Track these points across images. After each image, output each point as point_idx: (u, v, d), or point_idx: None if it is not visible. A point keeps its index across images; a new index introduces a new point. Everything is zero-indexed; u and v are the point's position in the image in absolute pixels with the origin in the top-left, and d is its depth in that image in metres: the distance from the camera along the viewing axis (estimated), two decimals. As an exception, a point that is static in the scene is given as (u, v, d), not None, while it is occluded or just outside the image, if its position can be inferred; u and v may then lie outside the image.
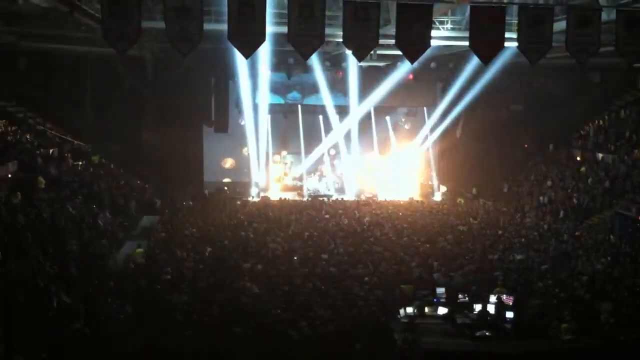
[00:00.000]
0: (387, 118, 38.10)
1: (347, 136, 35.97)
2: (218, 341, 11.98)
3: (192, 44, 12.80)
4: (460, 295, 14.97)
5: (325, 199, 32.32)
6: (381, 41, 14.13)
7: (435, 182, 36.46)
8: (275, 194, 33.46)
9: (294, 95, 35.56)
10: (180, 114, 31.81)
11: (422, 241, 21.27)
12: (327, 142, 36.35)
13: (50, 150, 26.00)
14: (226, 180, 36.26)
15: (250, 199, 32.36)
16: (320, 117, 36.18)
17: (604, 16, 14.30)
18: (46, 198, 20.91)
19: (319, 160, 36.86)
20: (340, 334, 12.49)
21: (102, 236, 20.29)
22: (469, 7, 14.42)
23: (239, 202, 30.20)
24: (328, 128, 36.03)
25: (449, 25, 24.12)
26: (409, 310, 14.20)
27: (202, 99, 33.53)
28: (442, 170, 36.63)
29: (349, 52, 20.67)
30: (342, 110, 35.32)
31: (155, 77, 31.59)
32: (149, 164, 31.33)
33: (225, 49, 22.28)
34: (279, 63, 31.35)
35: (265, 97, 34.22)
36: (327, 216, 26.04)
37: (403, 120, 39.15)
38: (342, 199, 32.32)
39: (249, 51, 13.36)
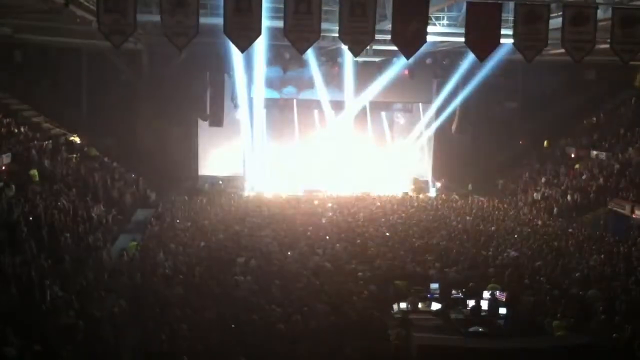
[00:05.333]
0: (383, 113, 38.08)
1: (342, 131, 35.93)
2: (213, 335, 11.99)
3: (187, 37, 12.80)
4: (453, 291, 15.03)
5: (320, 194, 32.31)
6: (377, 37, 14.14)
7: (430, 178, 36.51)
8: (269, 189, 33.41)
9: (290, 89, 35.49)
10: (176, 107, 31.77)
11: (417, 237, 21.31)
12: (322, 136, 36.31)
13: (45, 143, 25.91)
14: (221, 174, 36.19)
15: (244, 193, 32.32)
16: (316, 111, 36.18)
17: (600, 14, 14.35)
18: (40, 191, 20.85)
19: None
20: (333, 329, 12.52)
21: (96, 229, 20.26)
22: (465, 4, 14.43)
23: (233, 197, 30.17)
24: (323, 123, 36.02)
25: (445, 22, 24.16)
26: (403, 305, 14.25)
27: (197, 93, 33.48)
28: (437, 166, 36.66)
29: (344, 47, 20.68)
30: (338, 105, 35.31)
31: (150, 71, 31.52)
32: (143, 157, 31.25)
33: (221, 43, 22.24)
34: (275, 57, 31.31)
35: (261, 92, 34.14)
36: (319, 210, 26.04)
37: (398, 115, 39.15)
38: (337, 194, 32.30)
39: (244, 45, 13.36)
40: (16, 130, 25.31)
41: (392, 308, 14.25)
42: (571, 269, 17.67)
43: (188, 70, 30.95)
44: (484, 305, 14.20)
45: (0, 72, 28.27)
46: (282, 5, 13.16)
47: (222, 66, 32.22)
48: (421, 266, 17.47)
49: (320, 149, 36.42)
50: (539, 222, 25.26)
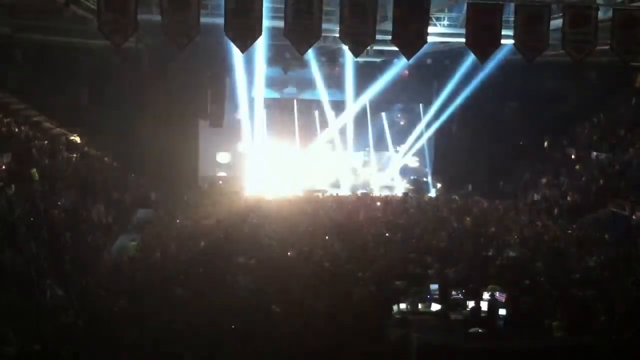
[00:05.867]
0: (383, 114, 38.07)
1: (343, 131, 35.97)
2: (212, 335, 12.00)
3: (188, 37, 12.80)
4: (453, 292, 15.03)
5: (320, 194, 32.33)
6: (378, 37, 14.13)
7: (430, 179, 36.50)
8: (269, 189, 33.42)
9: (290, 90, 35.54)
10: (176, 107, 31.73)
11: (416, 237, 21.30)
12: (322, 137, 36.32)
13: (45, 143, 25.89)
14: (221, 174, 36.21)
15: (244, 193, 32.31)
16: (316, 112, 36.19)
17: (601, 15, 14.33)
18: (40, 191, 20.85)
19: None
20: (333, 329, 12.52)
21: (96, 229, 20.26)
22: (466, 4, 14.43)
23: (233, 197, 30.15)
24: (324, 123, 36.04)
25: (445, 22, 24.10)
26: (402, 306, 14.25)
27: (197, 93, 33.42)
28: (437, 166, 36.65)
29: (345, 48, 20.71)
30: (338, 106, 35.32)
31: (150, 71, 31.48)
32: (144, 157, 31.24)
33: (222, 42, 22.21)
34: (275, 58, 31.31)
35: (261, 92, 34.17)
36: (321, 212, 26.03)
37: (399, 116, 39.14)
38: (337, 194, 32.32)
39: (245, 45, 13.36)
40: (16, 130, 25.30)
41: (391, 308, 14.26)
42: (571, 270, 17.68)
43: (188, 70, 30.91)
44: (484, 306, 14.19)
45: (0, 71, 28.25)
46: (282, 6, 13.14)
47: (223, 66, 32.23)
48: (421, 267, 17.46)
49: (321, 149, 36.48)
50: (539, 223, 25.23)
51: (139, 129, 32.07)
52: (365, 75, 33.46)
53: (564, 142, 34.11)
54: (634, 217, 23.56)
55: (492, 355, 11.90)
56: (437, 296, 14.97)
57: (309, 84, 34.40)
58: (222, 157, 37.39)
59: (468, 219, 25.49)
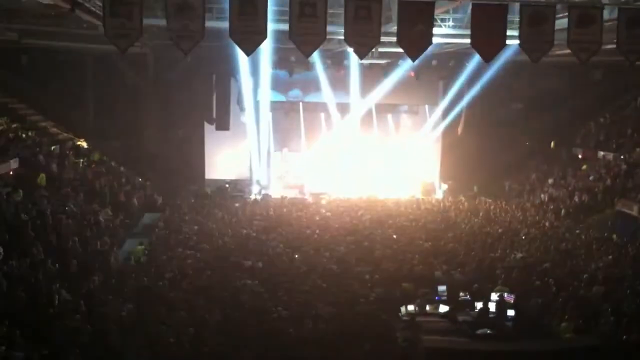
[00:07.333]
0: (389, 116, 38.01)
1: (348, 134, 35.89)
2: (219, 339, 12.00)
3: (193, 41, 12.81)
4: (461, 293, 15.01)
5: (326, 196, 32.29)
6: (383, 39, 14.12)
7: (436, 180, 36.41)
8: (276, 192, 33.41)
9: (296, 92, 35.50)
10: (182, 111, 31.87)
11: (423, 239, 21.25)
12: (328, 140, 36.29)
13: (52, 148, 26.00)
14: (227, 178, 36.23)
15: (251, 196, 32.33)
16: (322, 114, 36.17)
17: (606, 14, 14.28)
18: (48, 195, 20.92)
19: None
20: (341, 332, 12.50)
21: (103, 233, 20.28)
22: (470, 5, 14.42)
23: (240, 200, 30.16)
24: (329, 126, 36.03)
25: (450, 23, 24.06)
26: (410, 308, 14.26)
27: (203, 97, 33.52)
28: (444, 168, 36.56)
29: (350, 50, 20.72)
30: (344, 108, 35.29)
31: (156, 75, 31.60)
32: (150, 161, 31.34)
33: (227, 46, 22.27)
34: (281, 60, 31.33)
35: (267, 95, 34.18)
36: (328, 214, 26.02)
37: (404, 117, 39.06)
38: (344, 197, 32.25)
39: (250, 49, 13.37)
40: (23, 135, 25.42)
41: (399, 310, 14.24)
42: (579, 271, 17.61)
43: (194, 73, 31.00)
44: (492, 307, 14.18)
45: (6, 76, 28.39)
46: (287, 9, 13.15)
47: (228, 69, 32.27)
48: (428, 268, 17.44)
49: (327, 151, 36.43)
50: (547, 224, 25.16)
51: (145, 133, 32.20)
52: (371, 77, 33.42)
53: (570, 142, 34.04)
54: (641, 216, 23.50)
55: (500, 356, 11.87)
56: (445, 298, 14.97)
57: (314, 86, 34.36)
58: (229, 161, 37.37)
59: (475, 220, 25.44)
